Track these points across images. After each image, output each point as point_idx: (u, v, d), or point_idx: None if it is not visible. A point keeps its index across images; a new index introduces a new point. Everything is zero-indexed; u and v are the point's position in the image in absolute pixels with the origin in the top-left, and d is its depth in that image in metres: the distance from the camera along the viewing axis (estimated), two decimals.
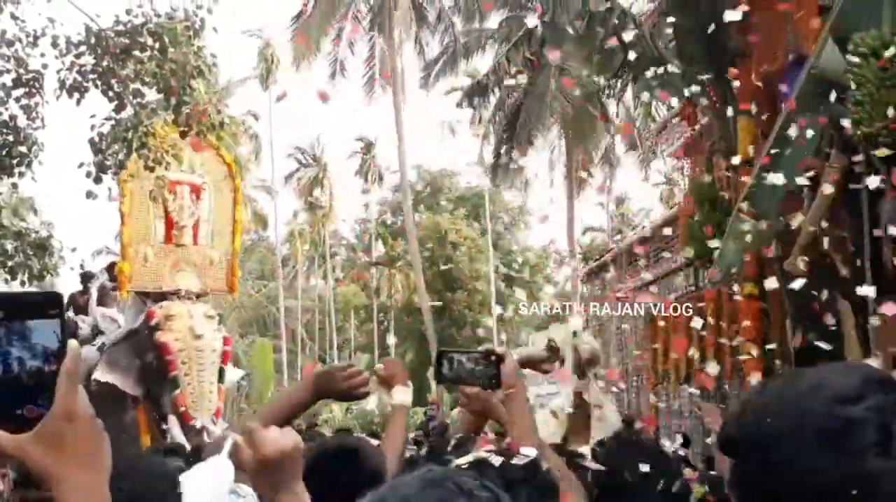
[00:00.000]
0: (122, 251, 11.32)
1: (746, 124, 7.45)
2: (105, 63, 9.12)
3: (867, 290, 5.15)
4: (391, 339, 32.18)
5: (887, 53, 5.35)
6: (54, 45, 9.23)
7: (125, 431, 10.08)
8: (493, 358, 2.36)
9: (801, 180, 5.86)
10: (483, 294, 36.65)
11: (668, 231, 10.32)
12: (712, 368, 6.41)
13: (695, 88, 7.32)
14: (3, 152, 9.60)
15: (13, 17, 9.44)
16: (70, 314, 11.16)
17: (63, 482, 0.99)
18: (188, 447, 4.98)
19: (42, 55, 9.41)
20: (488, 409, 2.38)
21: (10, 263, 10.84)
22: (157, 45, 8.97)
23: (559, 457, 2.61)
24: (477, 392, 2.38)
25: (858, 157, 5.70)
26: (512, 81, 18.93)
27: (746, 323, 7.08)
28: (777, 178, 5.77)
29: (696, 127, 9.03)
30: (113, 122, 9.35)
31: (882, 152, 5.37)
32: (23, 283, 10.79)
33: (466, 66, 29.58)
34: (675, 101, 9.09)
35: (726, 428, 1.16)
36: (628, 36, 8.14)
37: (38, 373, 0.98)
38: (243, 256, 14.29)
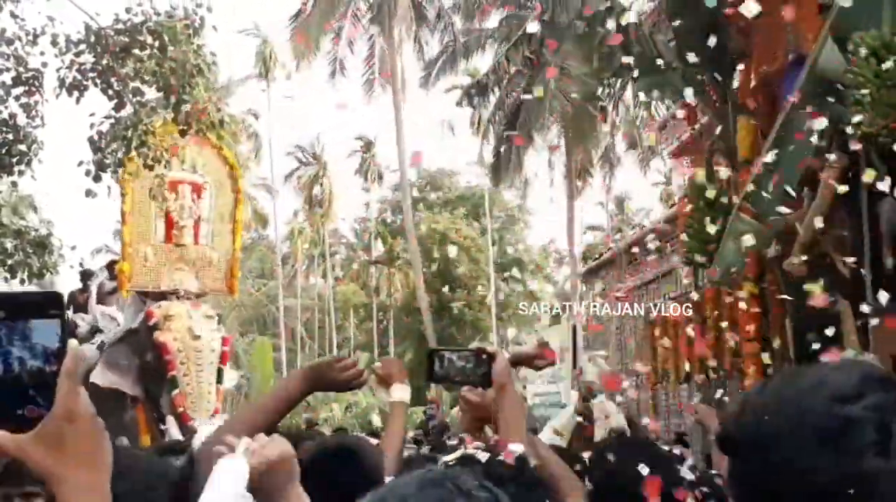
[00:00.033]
0: (123, 250, 11.32)
1: (746, 124, 7.45)
2: (105, 61, 9.12)
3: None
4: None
5: (886, 65, 5.36)
6: (54, 43, 9.23)
7: (124, 431, 10.08)
8: (484, 356, 2.37)
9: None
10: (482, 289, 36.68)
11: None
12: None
13: (690, 91, 7.32)
14: (3, 150, 9.60)
15: (13, 15, 9.43)
16: (69, 312, 11.16)
17: (64, 482, 0.99)
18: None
19: (42, 53, 9.41)
20: (489, 416, 2.38)
21: (9, 261, 10.84)
22: (156, 44, 8.97)
23: (559, 458, 2.61)
24: (478, 400, 2.39)
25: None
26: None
27: (748, 325, 7.08)
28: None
29: (696, 126, 9.02)
30: (112, 120, 9.35)
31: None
32: (22, 282, 10.79)
33: (466, 65, 29.59)
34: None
35: (725, 428, 1.17)
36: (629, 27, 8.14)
37: (38, 372, 0.98)
38: (243, 255, 14.27)
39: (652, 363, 10.17)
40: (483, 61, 28.68)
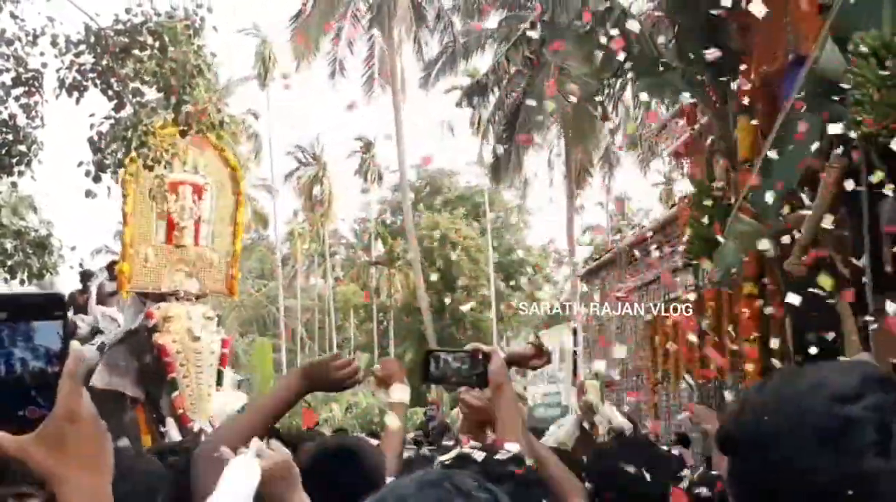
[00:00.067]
0: (123, 251, 11.31)
1: (746, 124, 7.46)
2: (105, 62, 9.13)
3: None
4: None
5: (887, 64, 5.36)
6: (54, 43, 9.24)
7: (125, 432, 10.08)
8: (480, 356, 2.37)
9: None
10: (483, 291, 36.68)
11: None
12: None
13: (686, 93, 7.33)
14: (3, 151, 9.61)
15: (13, 15, 9.44)
16: (69, 313, 11.16)
17: (65, 483, 0.99)
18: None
19: (41, 54, 9.42)
20: (490, 419, 2.38)
21: (9, 262, 10.85)
22: (156, 44, 8.98)
23: (559, 459, 2.61)
24: (479, 404, 2.39)
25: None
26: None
27: (746, 323, 7.09)
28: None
29: (696, 126, 9.03)
30: (112, 120, 9.36)
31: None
32: (22, 282, 10.79)
33: (466, 65, 29.60)
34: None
35: (725, 427, 1.17)
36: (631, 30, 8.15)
37: (40, 374, 0.98)
38: (243, 255, 14.27)
39: (652, 363, 10.18)
40: (483, 62, 28.72)
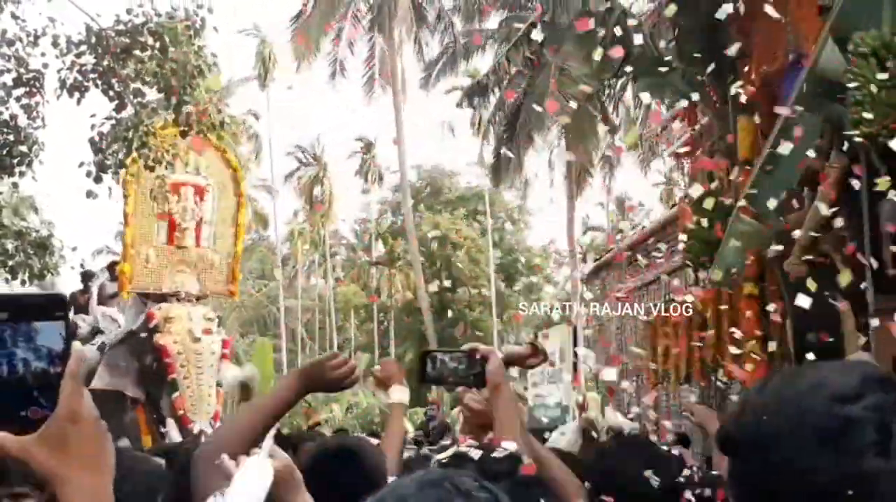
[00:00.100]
0: (124, 251, 11.32)
1: (746, 124, 7.45)
2: (105, 62, 9.14)
3: None
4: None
5: (889, 65, 5.36)
6: (55, 44, 9.25)
7: (125, 432, 10.09)
8: (477, 356, 2.37)
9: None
10: (483, 292, 36.67)
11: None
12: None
13: (693, 94, 7.33)
14: (4, 151, 9.62)
15: (14, 16, 9.45)
16: (70, 313, 11.15)
17: (67, 483, 0.99)
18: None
19: (42, 54, 9.43)
20: (490, 422, 2.38)
21: (10, 262, 10.85)
22: (157, 45, 8.99)
23: (559, 459, 2.62)
24: (480, 408, 2.39)
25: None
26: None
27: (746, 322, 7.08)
28: (787, 148, 5.76)
29: (696, 127, 9.02)
30: (113, 121, 9.37)
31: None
32: (23, 282, 10.80)
33: (467, 66, 29.60)
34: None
35: (725, 428, 1.17)
36: (633, 35, 8.16)
37: (42, 374, 0.99)
38: (243, 256, 14.30)
39: (652, 363, 10.17)
40: (483, 62, 28.72)
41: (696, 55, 6.93)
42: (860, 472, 1.03)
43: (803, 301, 5.54)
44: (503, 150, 25.72)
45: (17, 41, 9.40)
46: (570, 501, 2.38)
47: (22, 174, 9.87)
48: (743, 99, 6.73)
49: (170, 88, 9.02)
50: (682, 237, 7.67)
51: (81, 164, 9.36)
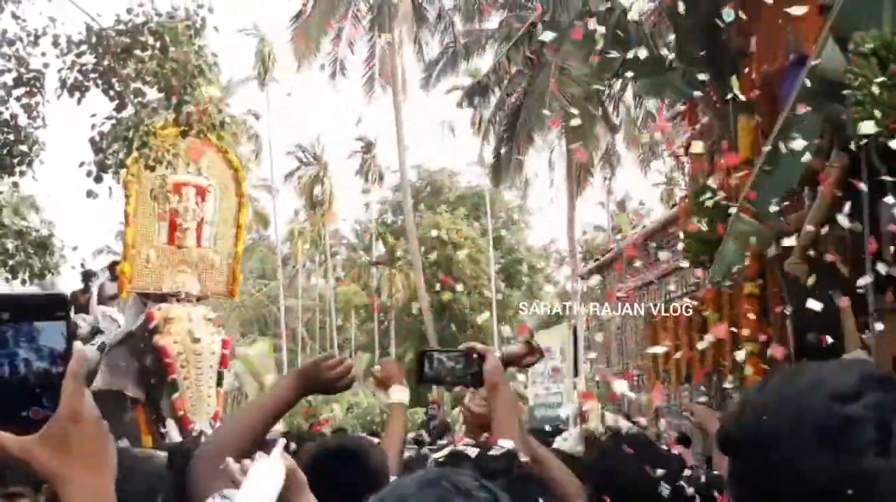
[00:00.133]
0: (125, 251, 11.32)
1: (746, 124, 7.45)
2: (106, 62, 9.14)
3: None
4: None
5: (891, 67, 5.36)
6: (55, 44, 9.25)
7: (125, 432, 10.09)
8: (475, 356, 2.37)
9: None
10: (483, 292, 36.67)
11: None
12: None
13: (696, 93, 7.34)
14: (5, 151, 9.62)
15: (14, 16, 9.46)
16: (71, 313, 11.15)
17: (69, 483, 0.99)
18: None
19: (43, 54, 9.44)
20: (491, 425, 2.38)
21: (11, 262, 10.86)
22: (158, 45, 8.99)
23: (558, 459, 2.62)
24: (481, 411, 2.39)
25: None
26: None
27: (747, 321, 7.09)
28: (797, 144, 5.76)
29: (697, 126, 9.02)
30: (114, 121, 9.37)
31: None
32: (24, 282, 10.81)
33: (467, 65, 29.59)
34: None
35: (726, 428, 1.17)
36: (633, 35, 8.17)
37: (44, 374, 0.99)
38: (244, 255, 14.32)
39: (653, 363, 10.18)
40: (484, 62, 28.71)
41: (696, 55, 6.92)
42: (860, 471, 1.03)
43: (814, 305, 5.55)
44: (503, 150, 25.74)
45: (18, 41, 9.40)
46: (571, 501, 2.39)
47: (22, 174, 9.87)
48: (744, 98, 6.74)
49: (170, 88, 9.02)
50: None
51: (82, 164, 9.37)
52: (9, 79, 9.49)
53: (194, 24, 9.19)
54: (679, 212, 9.26)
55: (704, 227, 7.16)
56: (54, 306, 1.00)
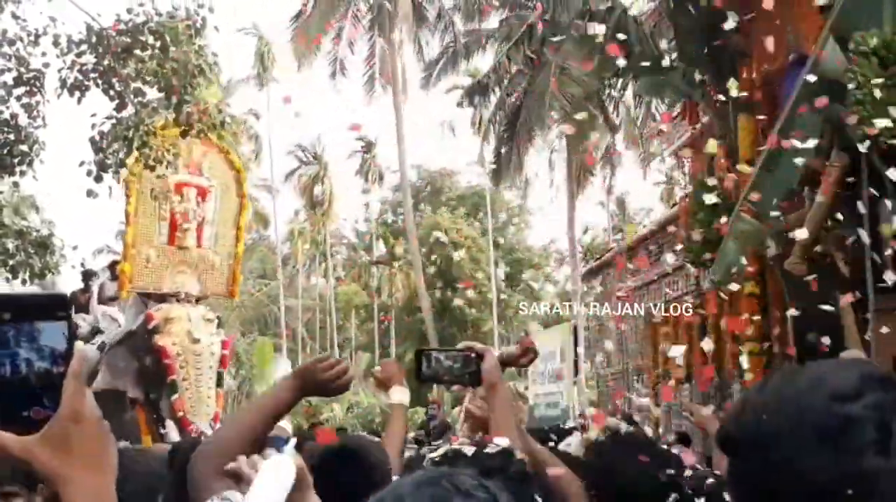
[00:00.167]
0: (125, 251, 11.31)
1: (747, 123, 7.46)
2: (106, 62, 9.14)
3: None
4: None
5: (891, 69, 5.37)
6: (55, 43, 9.25)
7: (125, 432, 10.08)
8: (473, 355, 2.37)
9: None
10: (484, 292, 36.67)
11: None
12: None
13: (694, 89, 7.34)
14: (5, 151, 9.62)
15: (14, 16, 9.45)
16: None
17: (70, 483, 0.99)
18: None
19: (43, 54, 9.43)
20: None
21: (11, 262, 10.85)
22: (158, 44, 8.99)
23: (558, 459, 2.62)
24: (482, 415, 2.39)
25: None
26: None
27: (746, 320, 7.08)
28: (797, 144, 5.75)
29: (697, 126, 9.02)
30: (114, 120, 9.37)
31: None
32: (24, 282, 10.80)
33: (467, 65, 29.58)
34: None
35: (726, 427, 1.17)
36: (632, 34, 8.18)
37: (45, 374, 0.99)
38: (244, 255, 14.33)
39: (653, 363, 10.18)
40: (484, 61, 28.69)
41: (696, 55, 6.93)
42: (860, 471, 1.02)
43: (822, 307, 5.55)
44: (503, 150, 25.73)
45: (18, 41, 9.40)
46: (572, 500, 2.39)
47: (23, 173, 9.87)
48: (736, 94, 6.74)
49: (170, 88, 9.02)
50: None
51: (82, 164, 9.36)
52: (9, 78, 9.49)
53: (194, 23, 9.19)
54: (679, 212, 9.26)
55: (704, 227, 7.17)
56: (55, 306, 1.01)
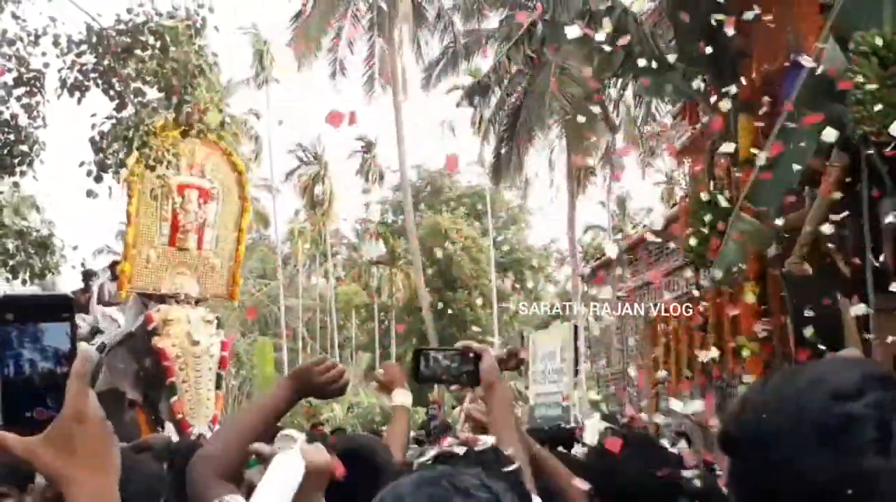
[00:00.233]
0: (125, 251, 11.29)
1: (747, 123, 7.45)
2: (106, 62, 9.14)
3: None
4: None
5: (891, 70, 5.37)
6: (55, 44, 9.25)
7: (125, 433, 10.07)
8: (471, 355, 2.38)
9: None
10: (484, 292, 36.67)
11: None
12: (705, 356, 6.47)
13: (696, 86, 7.33)
14: (5, 151, 9.62)
15: (14, 16, 9.46)
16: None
17: (73, 484, 1.00)
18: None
19: (43, 54, 9.44)
20: None
21: (11, 262, 10.86)
22: (158, 44, 8.99)
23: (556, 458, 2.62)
24: (483, 418, 2.40)
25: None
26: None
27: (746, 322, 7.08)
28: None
29: (697, 126, 9.02)
30: (114, 120, 9.37)
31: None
32: (24, 282, 10.81)
33: (468, 65, 29.57)
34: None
35: (726, 427, 1.17)
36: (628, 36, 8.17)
37: (49, 375, 0.99)
38: (244, 255, 14.34)
39: (653, 363, 10.16)
40: (484, 61, 28.70)
41: (696, 55, 6.92)
42: (860, 471, 1.02)
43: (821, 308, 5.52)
44: (503, 150, 25.73)
45: (18, 41, 9.40)
46: (569, 500, 2.39)
47: (23, 173, 9.87)
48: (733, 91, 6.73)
49: (170, 88, 9.02)
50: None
51: (82, 164, 9.37)
52: (9, 78, 9.49)
53: (194, 23, 9.19)
54: (679, 212, 9.26)
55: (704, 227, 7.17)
56: (59, 307, 1.01)
